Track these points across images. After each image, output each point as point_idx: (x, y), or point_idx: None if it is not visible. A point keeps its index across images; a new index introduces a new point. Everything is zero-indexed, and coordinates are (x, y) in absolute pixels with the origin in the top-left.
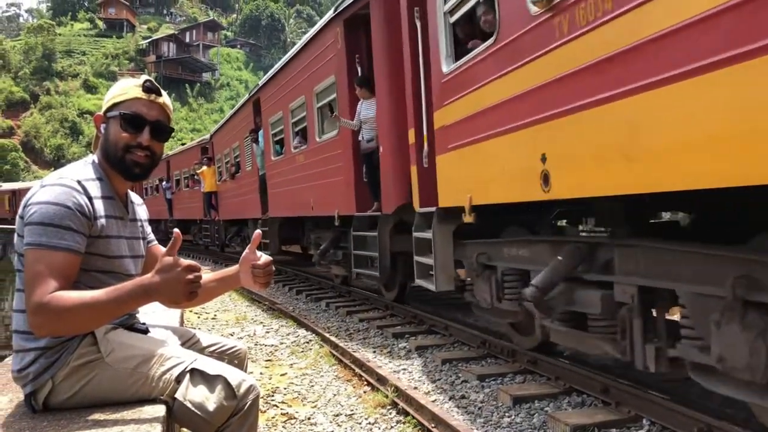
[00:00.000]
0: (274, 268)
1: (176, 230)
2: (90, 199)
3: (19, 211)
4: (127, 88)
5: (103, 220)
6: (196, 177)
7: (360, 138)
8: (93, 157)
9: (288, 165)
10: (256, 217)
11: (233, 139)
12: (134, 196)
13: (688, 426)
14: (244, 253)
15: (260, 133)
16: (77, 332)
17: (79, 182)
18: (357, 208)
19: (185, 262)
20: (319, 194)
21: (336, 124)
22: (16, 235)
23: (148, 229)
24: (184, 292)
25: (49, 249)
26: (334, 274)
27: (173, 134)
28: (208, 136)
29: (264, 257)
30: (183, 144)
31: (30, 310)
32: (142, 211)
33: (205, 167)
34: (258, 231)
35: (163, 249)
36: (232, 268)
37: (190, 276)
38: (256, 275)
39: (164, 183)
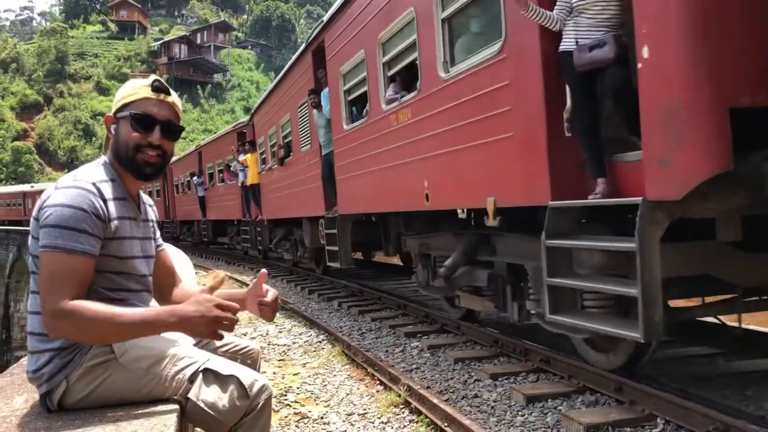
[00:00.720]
0: (279, 302)
1: (263, 271)
2: (105, 201)
3: (34, 212)
4: (137, 88)
5: (117, 222)
6: (232, 169)
7: None
8: (104, 159)
9: (377, 131)
10: (316, 215)
11: (282, 111)
12: (145, 197)
13: (704, 425)
14: (250, 287)
15: (324, 93)
16: (95, 343)
17: (93, 184)
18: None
19: (222, 301)
20: (445, 173)
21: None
22: (30, 237)
23: (158, 231)
24: (210, 331)
25: (66, 252)
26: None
27: (184, 136)
28: (246, 118)
29: (271, 293)
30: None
31: (47, 313)
32: (152, 212)
33: (248, 155)
34: (263, 271)
35: (171, 252)
36: (240, 292)
37: (223, 317)
38: (263, 310)
39: (195, 178)
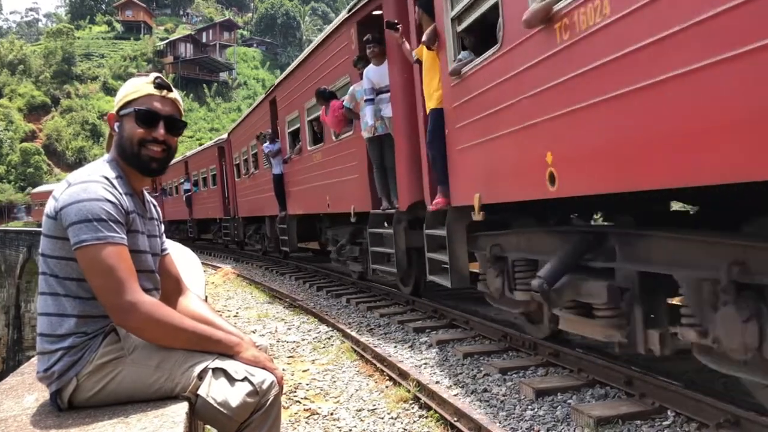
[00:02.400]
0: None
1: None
2: (121, 194)
3: (48, 210)
4: (139, 85)
5: (132, 215)
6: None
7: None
8: (108, 156)
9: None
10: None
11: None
12: (147, 195)
13: (714, 417)
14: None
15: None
16: (155, 342)
17: (106, 178)
18: None
19: (278, 370)
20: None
21: None
22: (42, 237)
23: (162, 230)
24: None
25: (110, 244)
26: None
27: (191, 134)
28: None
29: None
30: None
31: (119, 308)
32: (155, 210)
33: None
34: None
35: (177, 254)
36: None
37: (270, 368)
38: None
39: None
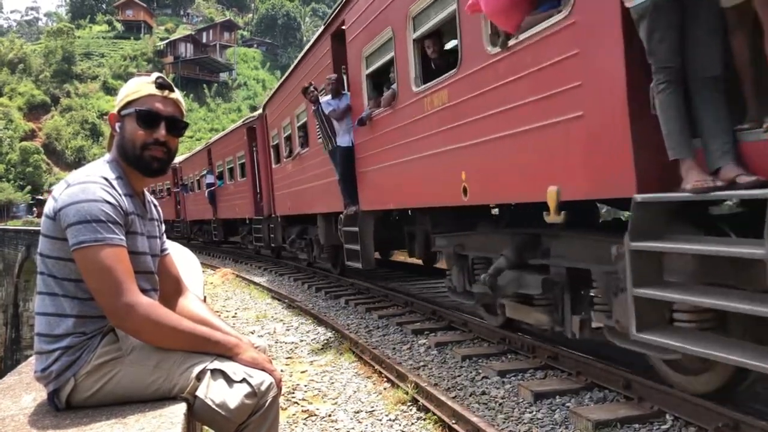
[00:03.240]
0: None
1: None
2: (120, 195)
3: (47, 210)
4: (141, 85)
5: (132, 216)
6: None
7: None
8: (109, 157)
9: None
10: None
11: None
12: (149, 196)
13: (713, 421)
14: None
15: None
16: (153, 343)
17: (106, 179)
18: None
19: (276, 372)
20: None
21: None
22: (41, 237)
23: (163, 231)
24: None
25: (108, 245)
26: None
27: (191, 134)
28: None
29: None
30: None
31: (116, 309)
32: (156, 211)
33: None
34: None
35: (177, 255)
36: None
37: (269, 370)
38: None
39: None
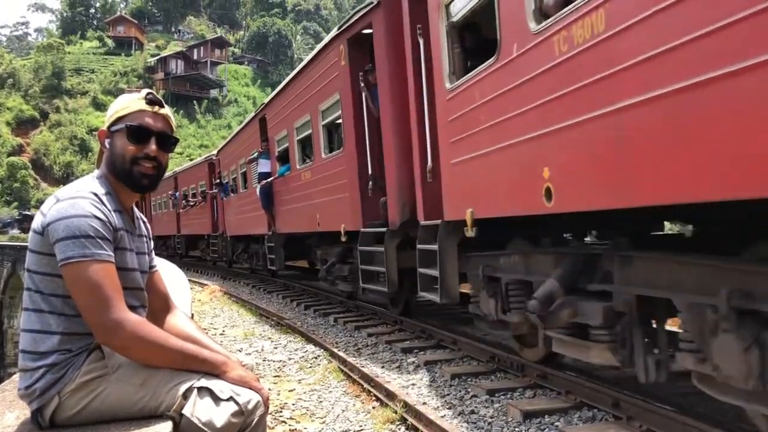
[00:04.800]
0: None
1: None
2: (109, 210)
3: (35, 226)
4: (131, 101)
5: (121, 232)
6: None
7: None
8: (98, 172)
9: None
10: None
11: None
12: (137, 212)
13: None
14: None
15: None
16: (140, 361)
17: (95, 195)
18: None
19: (264, 390)
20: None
21: None
22: (28, 252)
23: (152, 247)
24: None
25: (96, 261)
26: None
27: (181, 151)
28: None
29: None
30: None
31: (104, 326)
32: (145, 227)
33: None
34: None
35: (165, 272)
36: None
37: (257, 388)
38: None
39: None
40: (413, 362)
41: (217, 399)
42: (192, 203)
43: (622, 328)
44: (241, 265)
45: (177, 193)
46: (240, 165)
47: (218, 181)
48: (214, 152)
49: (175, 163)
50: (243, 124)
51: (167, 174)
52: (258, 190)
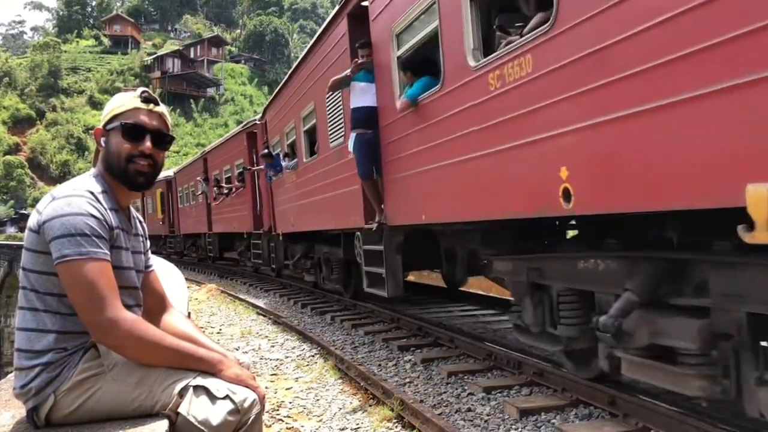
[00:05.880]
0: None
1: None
2: (105, 209)
3: (30, 224)
4: (126, 99)
5: (116, 231)
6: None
7: None
8: (95, 171)
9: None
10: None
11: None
12: (134, 211)
13: None
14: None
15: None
16: (136, 359)
17: (92, 193)
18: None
19: (260, 388)
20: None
21: None
22: (24, 251)
23: (148, 246)
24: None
25: (92, 259)
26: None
27: (177, 150)
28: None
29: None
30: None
31: (99, 324)
32: (141, 226)
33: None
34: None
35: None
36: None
37: (253, 386)
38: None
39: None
40: (410, 360)
41: (213, 397)
42: (225, 191)
43: (724, 352)
44: (301, 278)
45: (207, 179)
46: (302, 118)
47: (266, 151)
48: (256, 117)
49: (172, 162)
50: (304, 52)
51: (195, 156)
52: (351, 142)
